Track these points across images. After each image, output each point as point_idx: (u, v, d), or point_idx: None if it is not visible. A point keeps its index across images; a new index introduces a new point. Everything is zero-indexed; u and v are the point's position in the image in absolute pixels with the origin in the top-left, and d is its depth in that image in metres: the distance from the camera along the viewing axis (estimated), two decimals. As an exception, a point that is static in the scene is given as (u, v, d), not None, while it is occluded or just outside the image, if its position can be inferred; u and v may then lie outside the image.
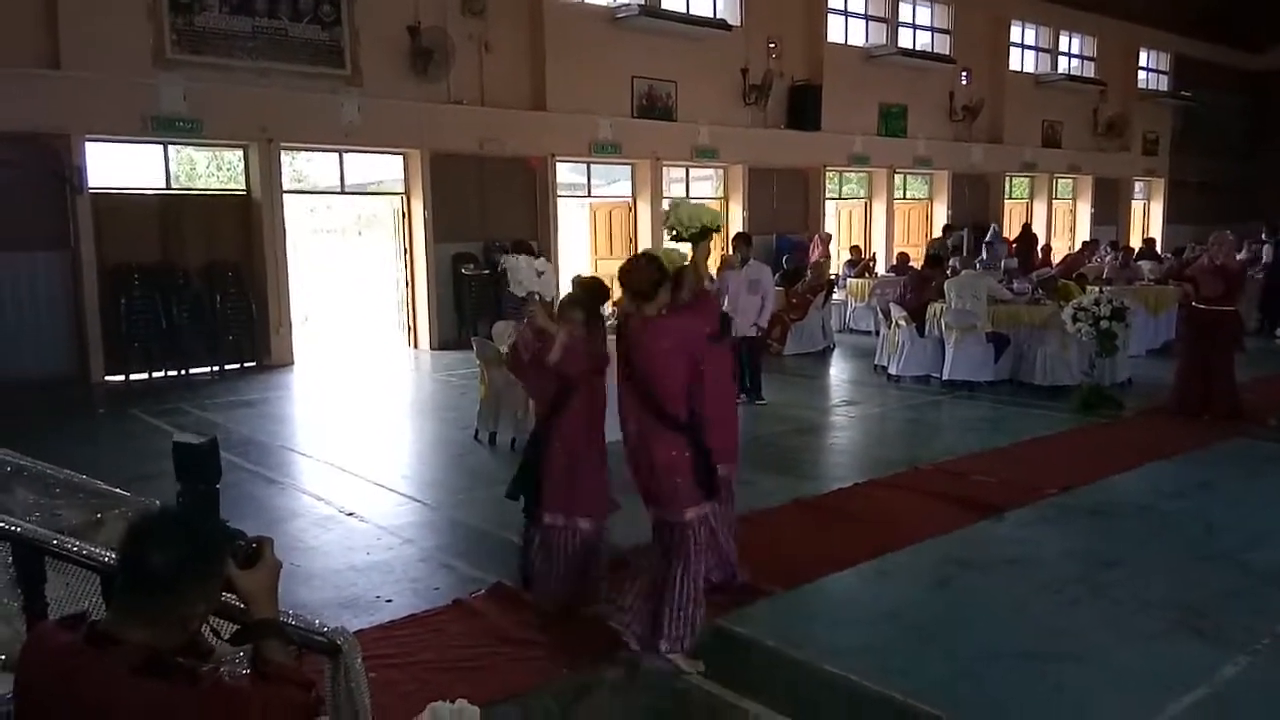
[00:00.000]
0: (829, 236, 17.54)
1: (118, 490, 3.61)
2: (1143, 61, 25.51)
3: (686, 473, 3.86)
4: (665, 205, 16.00)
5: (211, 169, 14.52)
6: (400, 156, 13.60)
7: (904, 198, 20.78)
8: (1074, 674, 3.89)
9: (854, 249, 17.51)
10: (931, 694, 3.64)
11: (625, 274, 3.98)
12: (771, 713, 3.61)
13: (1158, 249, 18.61)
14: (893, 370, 10.77)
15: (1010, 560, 5.18)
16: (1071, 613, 4.52)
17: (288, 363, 12.40)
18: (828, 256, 16.07)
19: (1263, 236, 17.40)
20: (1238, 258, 13.41)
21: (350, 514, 6.17)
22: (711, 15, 16.48)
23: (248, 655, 2.04)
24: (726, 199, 17.47)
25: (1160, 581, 4.90)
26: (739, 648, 4.15)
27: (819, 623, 4.40)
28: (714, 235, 4.32)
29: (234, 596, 1.99)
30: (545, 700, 3.74)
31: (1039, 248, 18.39)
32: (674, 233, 4.25)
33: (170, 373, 11.47)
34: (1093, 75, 23.98)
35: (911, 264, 14.15)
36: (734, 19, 16.68)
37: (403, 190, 13.76)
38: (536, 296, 4.38)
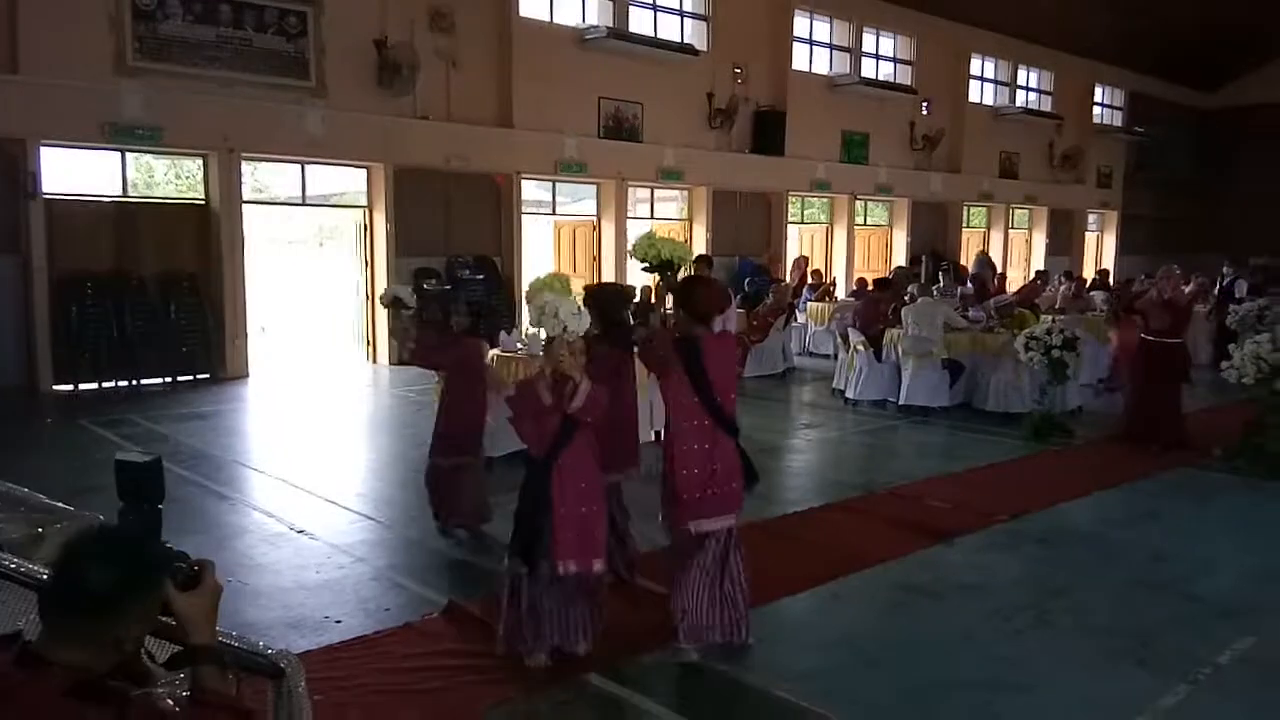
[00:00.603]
0: (805, 260, 17.79)
1: (60, 504, 3.53)
2: (1098, 97, 26.17)
3: (740, 477, 4.31)
4: (630, 227, 16.11)
5: (170, 177, 14.33)
6: (364, 169, 13.53)
7: (864, 224, 21.06)
8: (1019, 703, 3.93)
9: (815, 273, 17.67)
10: (881, 713, 3.66)
11: (690, 298, 4.25)
12: (721, 738, 3.61)
13: (1110, 280, 19.04)
14: (850, 394, 10.87)
15: (960, 587, 5.24)
16: (1018, 641, 4.57)
17: (243, 375, 12.22)
18: (804, 281, 16.30)
19: (1225, 270, 17.78)
20: (1186, 290, 13.78)
21: (301, 531, 6.08)
22: (679, 40, 16.64)
23: (188, 679, 1.99)
24: (690, 220, 17.59)
25: (1106, 610, 4.98)
26: (689, 671, 4.15)
27: (770, 646, 4.41)
28: (675, 268, 4.37)
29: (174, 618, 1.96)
30: (494, 724, 3.71)
31: (995, 276, 18.69)
32: (643, 265, 4.49)
33: (121, 383, 11.25)
34: (1049, 109, 24.55)
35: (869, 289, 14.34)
36: (701, 44, 16.86)
37: (365, 203, 13.68)
38: (567, 337, 3.96)
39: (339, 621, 4.68)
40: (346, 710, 3.71)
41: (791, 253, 19.51)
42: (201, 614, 1.86)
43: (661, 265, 4.39)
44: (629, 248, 4.36)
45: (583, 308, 3.93)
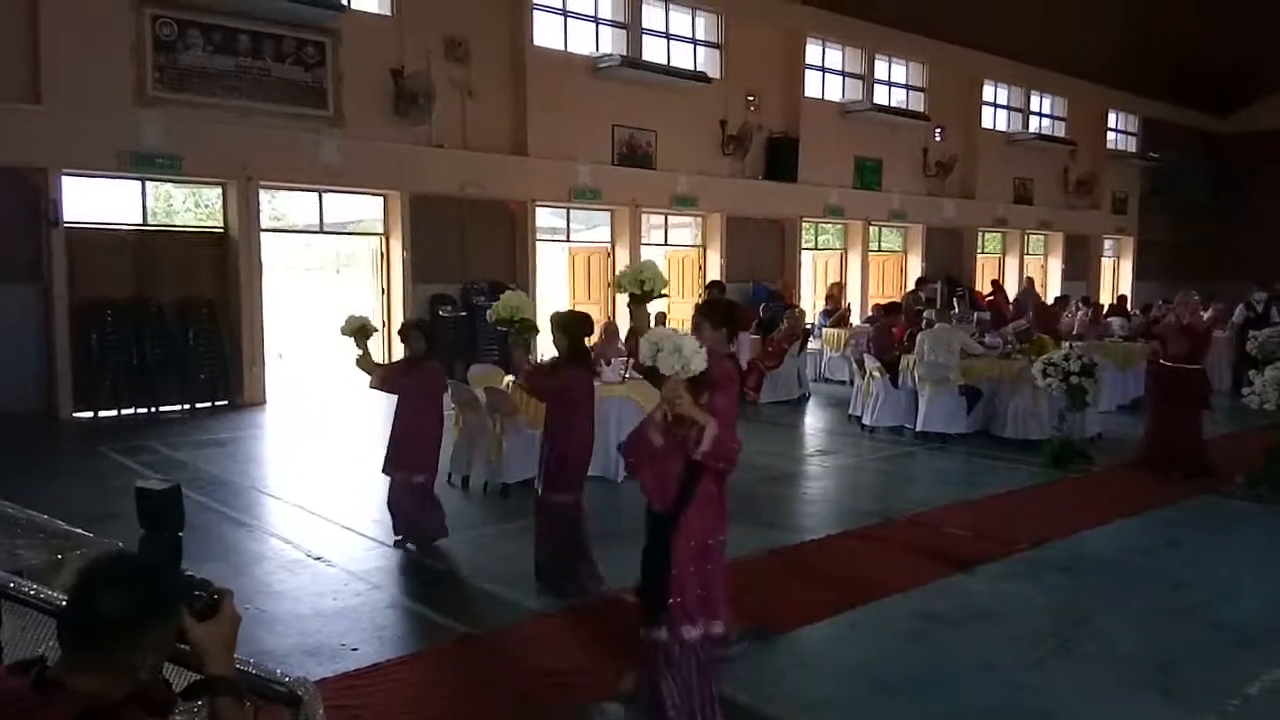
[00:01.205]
0: (839, 285, 17.92)
1: (79, 531, 3.55)
2: (1111, 123, 26.17)
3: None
4: (644, 253, 16.17)
5: (189, 205, 14.50)
6: (380, 197, 13.65)
7: (879, 249, 21.06)
8: (1043, 732, 3.87)
9: (829, 298, 17.67)
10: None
11: (732, 314, 4.19)
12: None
13: (1128, 306, 18.94)
14: (867, 420, 10.82)
15: (981, 615, 5.18)
16: (1039, 669, 4.52)
17: (260, 401, 12.28)
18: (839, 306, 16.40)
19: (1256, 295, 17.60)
20: (1204, 315, 13.71)
21: (318, 558, 6.08)
22: (691, 68, 16.77)
23: (205, 710, 1.99)
24: (704, 247, 17.64)
25: (1128, 639, 4.91)
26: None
27: (788, 675, 4.37)
28: (653, 298, 4.33)
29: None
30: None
31: (1010, 302, 18.65)
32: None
33: (140, 410, 11.32)
34: (1063, 135, 24.55)
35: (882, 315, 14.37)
36: (714, 72, 16.98)
37: (382, 231, 13.79)
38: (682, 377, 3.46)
39: (355, 649, 4.67)
40: (363, 739, 3.68)
41: (806, 279, 19.55)
42: (219, 644, 1.85)
43: (641, 295, 4.36)
44: (616, 277, 4.28)
45: (699, 347, 3.43)
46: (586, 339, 5.64)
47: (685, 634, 3.56)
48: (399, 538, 6.28)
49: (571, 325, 5.50)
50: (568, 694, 4.10)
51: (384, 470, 6.29)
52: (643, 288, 4.33)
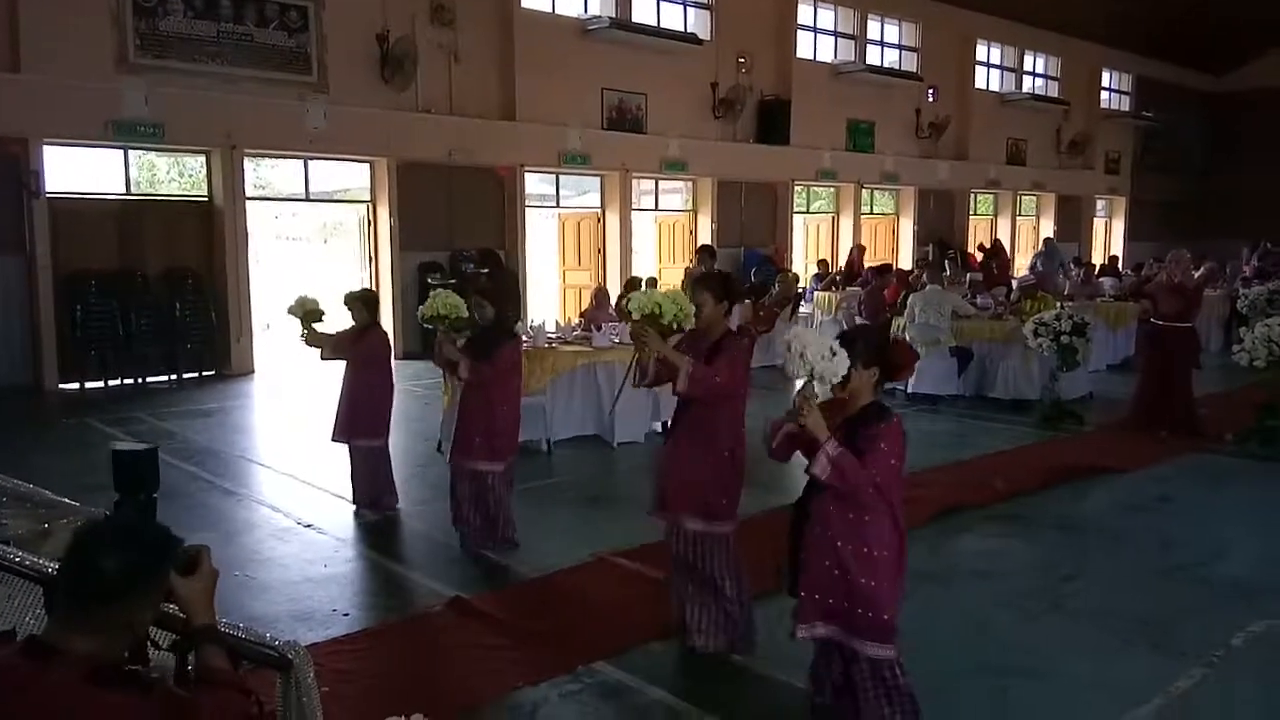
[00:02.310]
0: (862, 248, 17.82)
1: (66, 500, 3.51)
2: (1105, 82, 25.97)
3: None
4: (635, 219, 16.08)
5: (173, 175, 14.32)
6: (367, 164, 13.50)
7: (871, 213, 20.95)
8: (1033, 689, 3.89)
9: (821, 263, 17.60)
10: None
11: (732, 286, 4.19)
12: (731, 727, 3.59)
13: (1119, 266, 18.95)
14: (858, 384, 10.79)
15: (972, 573, 5.19)
16: (1031, 627, 4.54)
17: (248, 371, 12.22)
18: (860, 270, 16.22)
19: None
20: (1195, 275, 13.69)
21: (308, 526, 6.07)
22: (682, 29, 16.56)
23: (175, 667, 2.04)
24: (695, 211, 17.53)
25: (1119, 595, 4.93)
26: (696, 660, 4.12)
27: (779, 634, 4.36)
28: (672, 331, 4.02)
29: (171, 606, 2.00)
30: (502, 714, 3.68)
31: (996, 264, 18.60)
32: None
33: (127, 381, 11.24)
34: (1056, 95, 24.38)
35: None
36: (704, 33, 16.76)
37: (369, 198, 13.65)
38: (814, 382, 3.13)
39: (346, 615, 4.67)
40: (355, 701, 3.68)
41: (798, 243, 19.46)
42: (201, 597, 1.93)
43: (648, 318, 4.02)
44: (626, 302, 4.01)
45: (838, 348, 3.08)
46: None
47: (805, 631, 3.32)
48: (369, 503, 6.28)
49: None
50: (558, 653, 4.10)
51: (336, 438, 6.29)
52: (660, 320, 3.97)
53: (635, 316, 3.86)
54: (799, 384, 3.19)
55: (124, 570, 1.75)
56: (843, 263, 17.73)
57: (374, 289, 6.66)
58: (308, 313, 6.13)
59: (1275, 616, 4.58)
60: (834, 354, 3.06)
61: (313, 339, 6.21)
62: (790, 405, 3.17)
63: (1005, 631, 4.44)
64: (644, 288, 12.37)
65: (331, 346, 6.29)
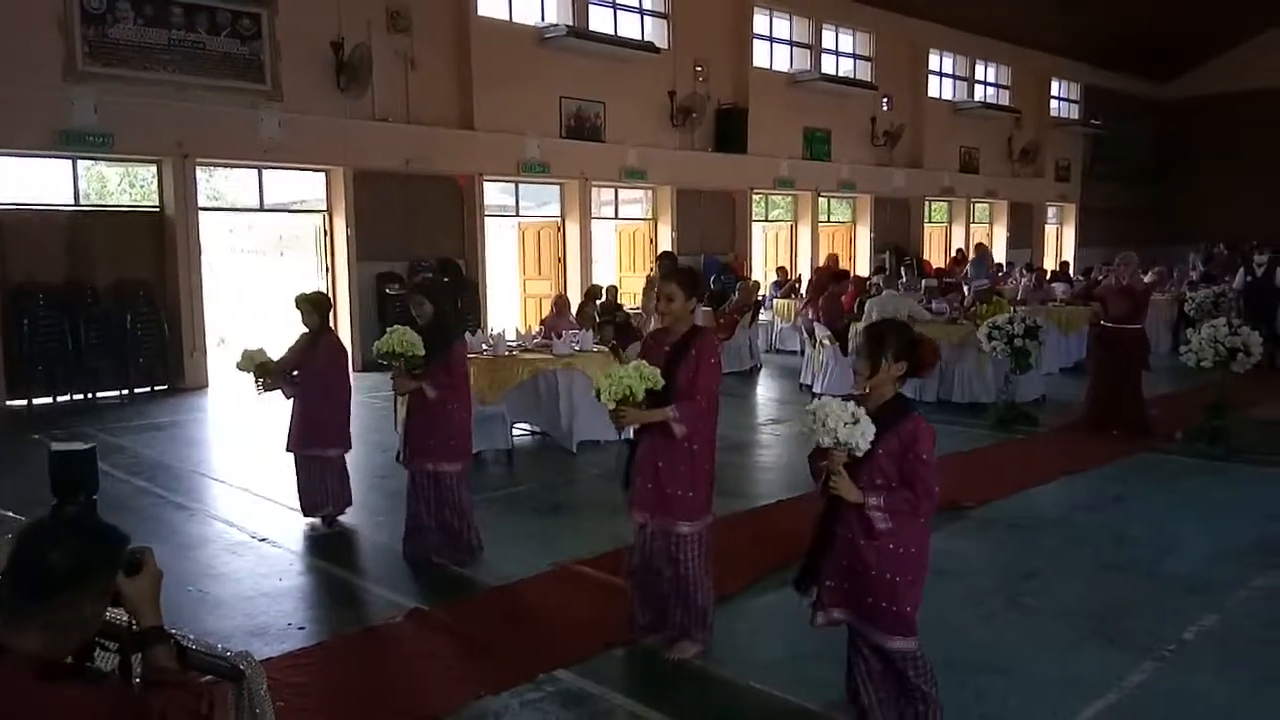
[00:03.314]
0: (835, 257, 17.81)
1: (10, 514, 3.43)
2: (1055, 91, 26.49)
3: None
4: (595, 228, 16.07)
5: (124, 186, 14.06)
6: (323, 173, 13.36)
7: (828, 221, 21.16)
8: (992, 683, 3.93)
9: (780, 270, 17.74)
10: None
11: (699, 282, 4.22)
12: (693, 731, 3.58)
13: (1070, 271, 19.31)
14: (817, 389, 10.87)
15: (931, 572, 5.19)
16: (991, 624, 4.58)
17: (202, 386, 12.02)
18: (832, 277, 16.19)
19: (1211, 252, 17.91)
20: (1145, 279, 13.98)
21: (263, 539, 5.97)
22: (639, 38, 16.62)
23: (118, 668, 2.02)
24: (655, 220, 17.58)
25: (1075, 592, 5.01)
26: (658, 664, 4.11)
27: (740, 637, 4.38)
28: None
29: (118, 612, 1.99)
30: (462, 725, 3.64)
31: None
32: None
33: (77, 396, 11.00)
34: (1007, 103, 24.82)
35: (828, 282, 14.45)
36: (661, 42, 16.84)
37: (325, 208, 13.50)
38: (842, 449, 3.15)
39: (302, 628, 4.59)
40: (310, 715, 3.62)
41: (757, 252, 19.58)
42: (147, 597, 1.92)
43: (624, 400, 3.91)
44: (596, 390, 3.96)
45: (861, 415, 3.11)
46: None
47: (823, 617, 3.41)
48: (327, 513, 6.19)
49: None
50: (520, 662, 4.06)
51: (291, 449, 6.19)
52: (634, 399, 3.87)
53: (610, 405, 3.86)
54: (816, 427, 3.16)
55: (70, 563, 1.73)
56: (807, 272, 17.70)
57: (324, 294, 6.50)
58: (259, 366, 6.01)
59: (1224, 611, 4.68)
60: (857, 421, 3.11)
61: (270, 385, 6.09)
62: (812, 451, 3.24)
63: (965, 628, 4.47)
64: (604, 295, 12.43)
65: (289, 380, 6.13)
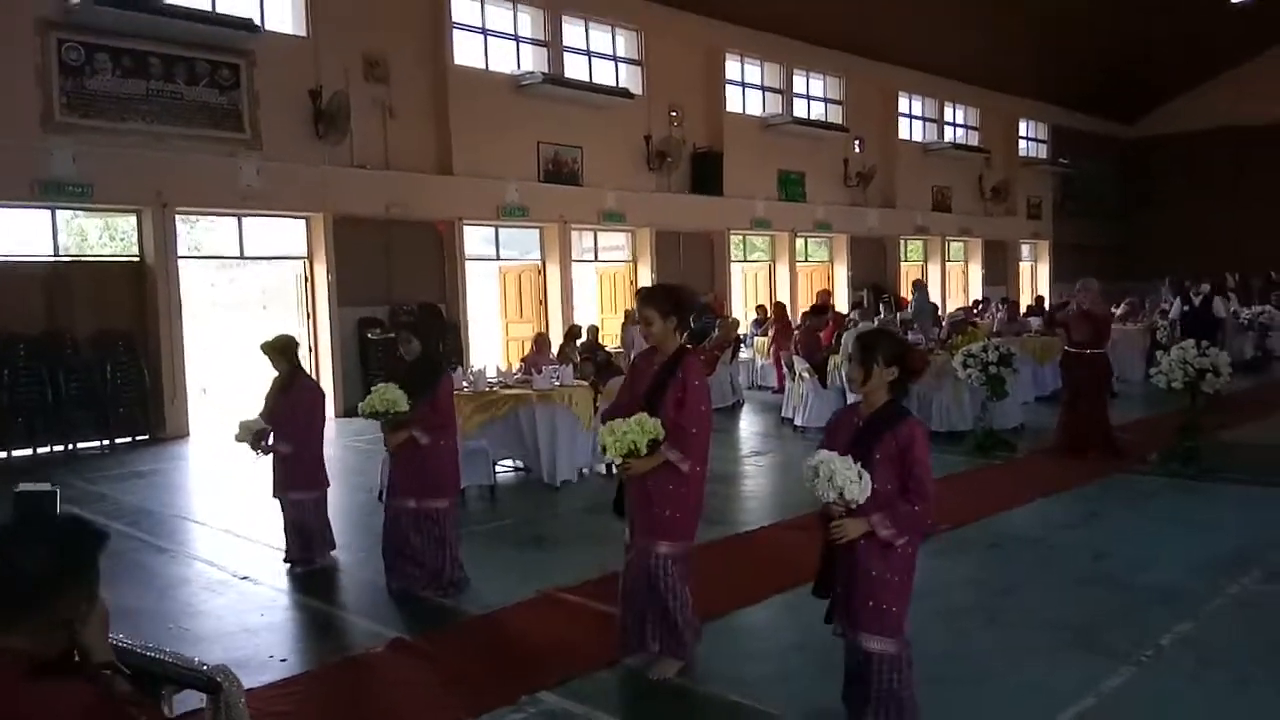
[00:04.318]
0: (827, 293, 17.91)
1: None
2: (1023, 131, 27.10)
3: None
4: (575, 271, 16.20)
5: (104, 239, 14.10)
6: (303, 220, 13.46)
7: (805, 260, 21.42)
8: (969, 693, 3.97)
9: (759, 308, 17.89)
10: (832, 717, 3.67)
11: (682, 300, 4.28)
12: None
13: (1045, 305, 19.57)
14: (798, 422, 10.98)
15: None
16: (968, 638, 4.62)
17: (183, 435, 11.95)
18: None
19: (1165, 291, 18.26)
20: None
21: (244, 578, 5.94)
22: (614, 84, 16.93)
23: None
24: (635, 261, 17.75)
25: (1051, 605, 5.06)
26: (642, 684, 4.12)
27: (724, 655, 4.39)
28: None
29: None
30: (444, 747, 3.63)
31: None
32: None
33: (57, 448, 10.92)
34: (977, 144, 25.35)
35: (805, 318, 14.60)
36: (636, 88, 17.16)
37: (305, 254, 13.58)
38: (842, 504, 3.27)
39: (284, 660, 4.57)
40: (291, 741, 3.60)
41: (736, 292, 19.77)
42: (97, 635, 1.87)
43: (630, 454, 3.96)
44: (602, 447, 4.03)
45: (864, 472, 3.22)
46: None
47: (859, 638, 3.44)
48: (301, 557, 6.12)
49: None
50: (502, 685, 4.06)
51: (275, 494, 6.18)
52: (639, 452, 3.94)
53: (617, 460, 3.96)
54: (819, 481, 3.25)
55: (47, 570, 1.74)
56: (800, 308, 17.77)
57: (292, 336, 6.53)
58: (255, 434, 6.06)
59: (1198, 619, 4.74)
60: (860, 477, 3.19)
61: (267, 450, 6.11)
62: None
63: (941, 643, 4.50)
64: (585, 335, 12.52)
65: (269, 416, 6.14)
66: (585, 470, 8.50)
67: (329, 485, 6.34)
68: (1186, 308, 12.20)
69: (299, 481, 6.11)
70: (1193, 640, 4.47)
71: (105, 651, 1.91)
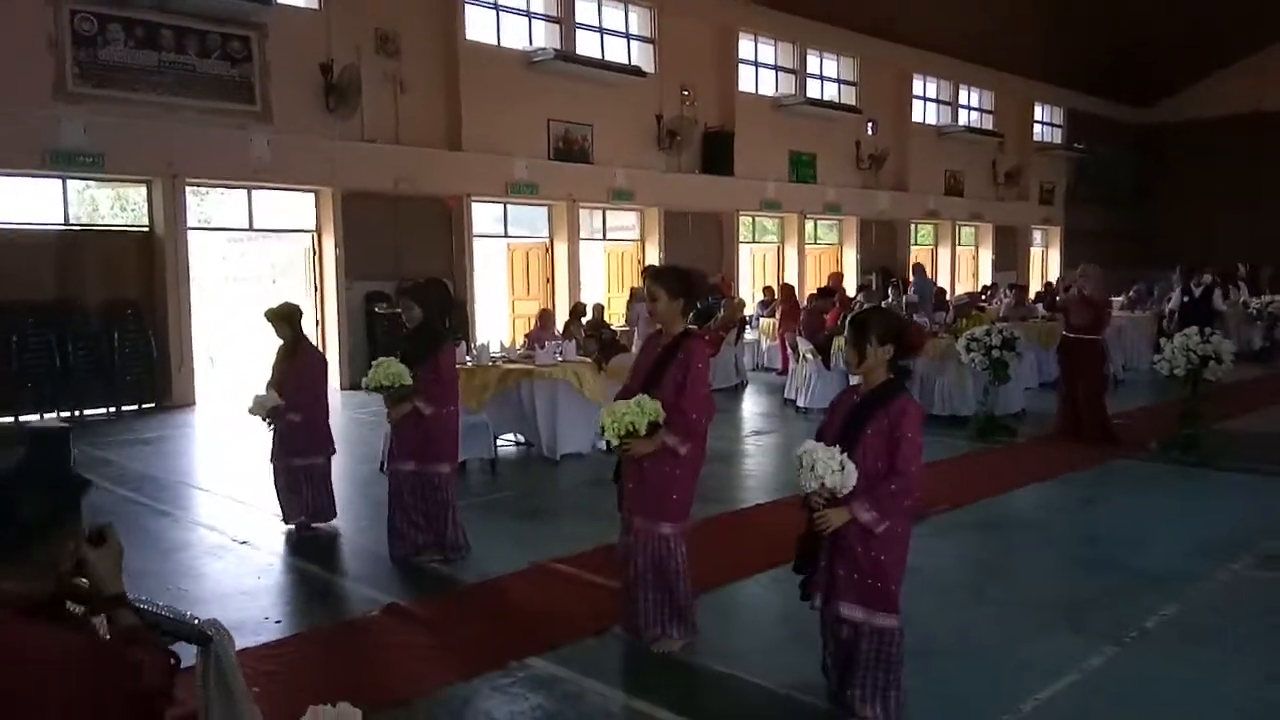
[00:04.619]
0: (839, 275, 17.92)
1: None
2: (1038, 115, 26.87)
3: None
4: (583, 249, 16.21)
5: (116, 210, 14.17)
6: (312, 194, 13.50)
7: (815, 242, 21.37)
8: (956, 668, 4.01)
9: (766, 290, 17.86)
10: (815, 689, 3.72)
11: (691, 283, 4.28)
12: (660, 711, 3.64)
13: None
14: (801, 403, 11.00)
15: (901, 569, 5.31)
16: (958, 615, 4.67)
17: (189, 403, 12.07)
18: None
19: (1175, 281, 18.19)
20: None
21: (244, 543, 6.03)
22: (626, 62, 16.86)
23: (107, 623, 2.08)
24: (643, 241, 17.74)
25: (1041, 586, 5.10)
26: (627, 651, 4.18)
27: (713, 627, 4.44)
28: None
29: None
30: (433, 708, 3.70)
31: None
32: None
33: (64, 414, 11.04)
34: (991, 128, 25.17)
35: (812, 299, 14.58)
36: (648, 66, 17.10)
37: (314, 228, 13.63)
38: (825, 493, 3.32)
39: (278, 622, 4.65)
40: (285, 698, 3.67)
41: (745, 274, 19.75)
42: (111, 567, 1.98)
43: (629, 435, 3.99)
44: (601, 427, 4.04)
45: (846, 460, 3.27)
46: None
47: (846, 611, 3.48)
48: (301, 520, 6.21)
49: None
50: (492, 651, 4.13)
51: (273, 460, 6.24)
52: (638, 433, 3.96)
53: (614, 441, 3.96)
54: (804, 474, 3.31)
55: (38, 512, 1.79)
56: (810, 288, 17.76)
57: (295, 304, 6.57)
58: (270, 409, 6.12)
59: (1186, 601, 4.77)
60: (843, 467, 3.24)
61: (282, 420, 6.18)
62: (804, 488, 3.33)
63: (932, 619, 4.53)
64: (590, 312, 12.55)
65: (276, 384, 6.19)
66: (589, 447, 8.55)
67: (334, 452, 6.39)
68: (1186, 298, 12.16)
69: (302, 446, 6.17)
70: (1178, 622, 4.50)
71: (117, 584, 1.99)
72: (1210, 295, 11.67)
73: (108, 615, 2.03)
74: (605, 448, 4.24)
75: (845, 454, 3.29)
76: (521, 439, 8.82)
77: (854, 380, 3.59)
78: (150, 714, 1.90)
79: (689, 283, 4.29)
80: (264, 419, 6.14)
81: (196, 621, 2.61)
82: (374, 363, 5.46)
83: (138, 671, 1.83)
